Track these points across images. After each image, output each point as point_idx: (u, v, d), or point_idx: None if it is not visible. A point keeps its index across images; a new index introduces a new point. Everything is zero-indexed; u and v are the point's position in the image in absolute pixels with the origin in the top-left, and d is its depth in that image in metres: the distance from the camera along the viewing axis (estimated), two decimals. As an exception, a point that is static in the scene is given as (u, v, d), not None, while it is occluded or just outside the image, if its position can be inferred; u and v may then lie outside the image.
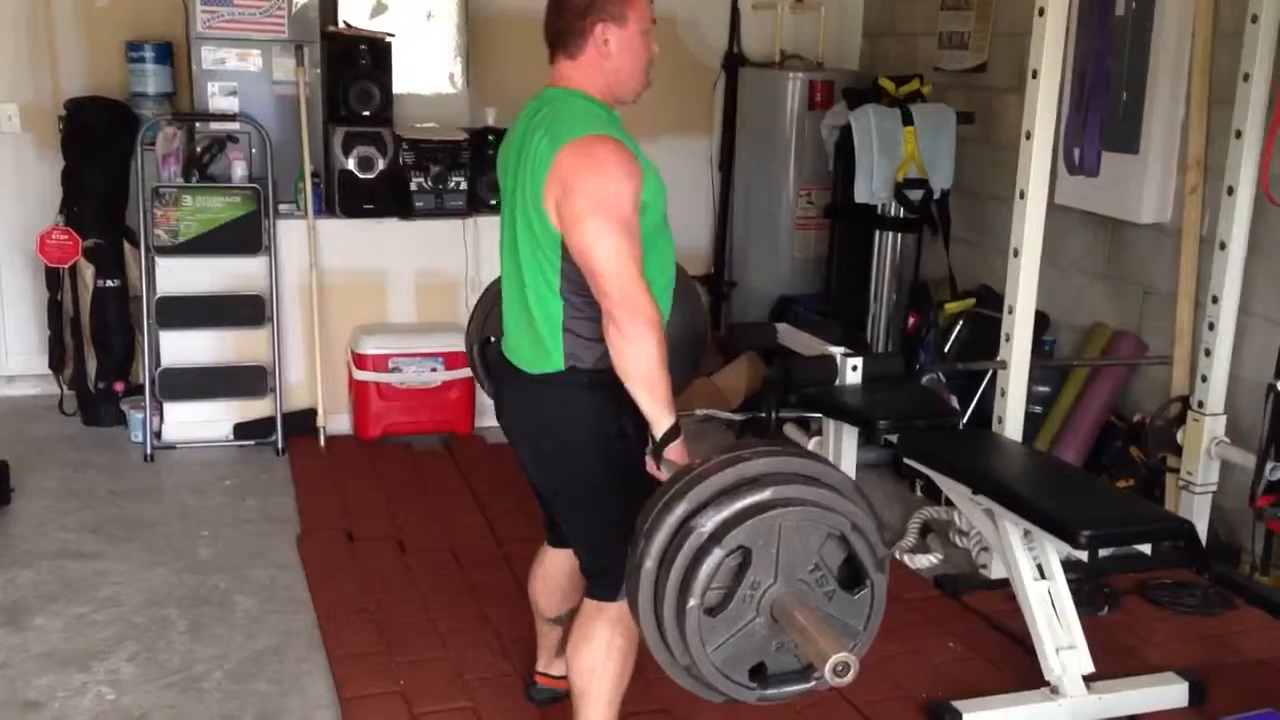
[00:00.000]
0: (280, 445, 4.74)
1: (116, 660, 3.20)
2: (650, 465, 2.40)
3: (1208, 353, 3.79)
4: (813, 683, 2.13)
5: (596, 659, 2.51)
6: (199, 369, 4.76)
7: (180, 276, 4.69)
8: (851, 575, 2.10)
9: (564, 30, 2.43)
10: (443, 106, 5.26)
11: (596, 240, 2.26)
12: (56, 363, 5.01)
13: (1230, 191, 3.66)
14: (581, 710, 2.57)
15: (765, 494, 2.02)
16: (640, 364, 2.27)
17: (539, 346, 2.44)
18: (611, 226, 2.25)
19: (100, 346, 4.94)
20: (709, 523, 2.01)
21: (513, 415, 2.58)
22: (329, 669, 3.17)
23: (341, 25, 5.00)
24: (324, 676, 3.15)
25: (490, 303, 3.09)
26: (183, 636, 3.34)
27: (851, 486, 2.15)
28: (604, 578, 2.51)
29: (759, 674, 2.11)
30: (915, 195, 4.79)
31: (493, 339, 3.03)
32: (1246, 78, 3.56)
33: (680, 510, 2.04)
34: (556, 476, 2.54)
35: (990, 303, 4.55)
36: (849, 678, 1.96)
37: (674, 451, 2.32)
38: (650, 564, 2.05)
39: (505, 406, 2.60)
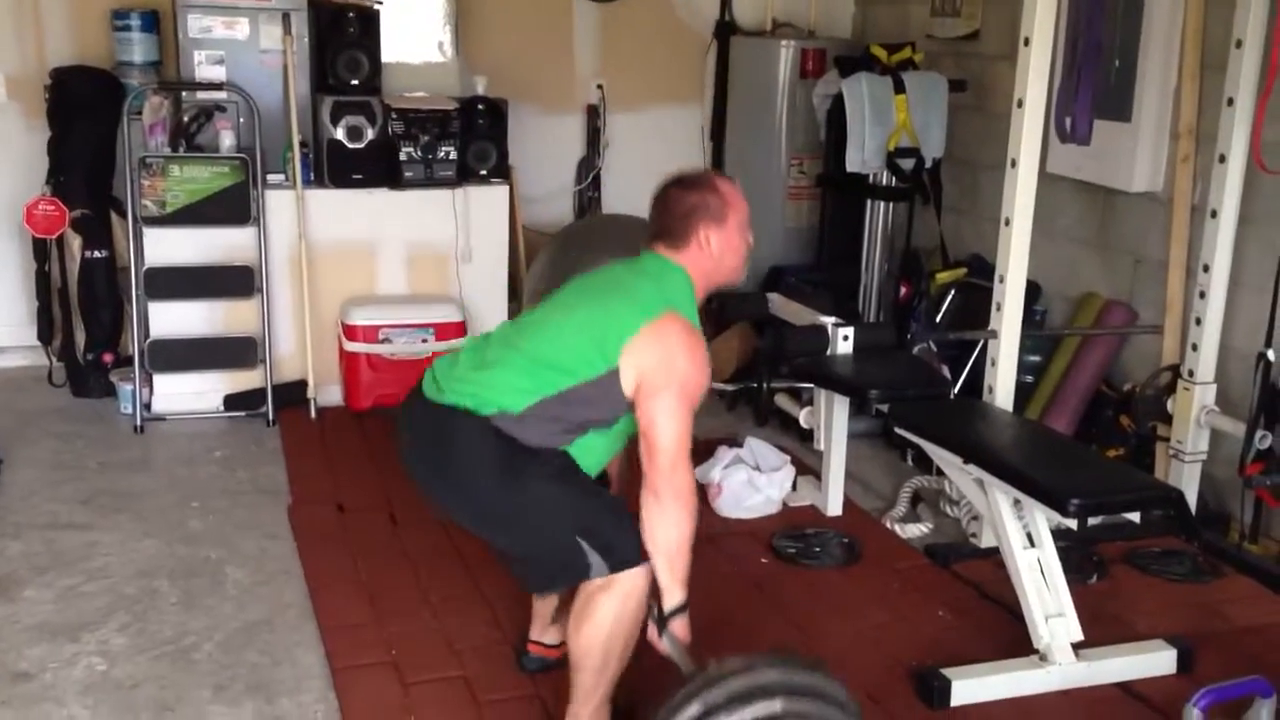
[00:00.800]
0: (271, 416, 4.73)
1: (107, 631, 3.20)
2: (652, 634, 2.52)
3: (1198, 321, 3.80)
4: None
5: (600, 632, 2.51)
6: (188, 340, 4.73)
7: (168, 247, 4.66)
8: None
9: (668, 229, 2.64)
10: (432, 75, 5.22)
11: (669, 417, 2.46)
12: (45, 334, 4.98)
13: (1222, 160, 3.65)
14: (578, 681, 2.58)
15: (776, 706, 2.14)
16: (669, 537, 2.46)
17: (472, 393, 2.53)
18: (685, 411, 2.47)
19: (88, 318, 4.91)
20: None
21: (421, 452, 2.62)
22: (320, 639, 3.17)
23: (329, -7, 4.95)
24: (315, 647, 3.15)
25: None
26: (174, 607, 3.34)
27: (855, 708, 2.28)
28: (569, 571, 2.53)
29: None
30: (907, 164, 4.77)
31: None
32: (1239, 45, 3.55)
33: (693, 711, 2.14)
34: (473, 506, 2.59)
35: (982, 272, 4.55)
36: None
37: (678, 625, 2.48)
38: None
39: (413, 447, 2.64)
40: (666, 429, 2.45)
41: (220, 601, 3.38)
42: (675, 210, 2.63)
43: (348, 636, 3.17)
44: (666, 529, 2.46)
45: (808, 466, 4.24)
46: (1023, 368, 3.81)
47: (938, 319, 4.72)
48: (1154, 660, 3.06)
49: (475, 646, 3.13)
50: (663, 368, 2.47)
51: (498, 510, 2.55)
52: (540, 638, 3.00)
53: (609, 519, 2.51)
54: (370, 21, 4.88)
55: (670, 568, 2.47)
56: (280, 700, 2.91)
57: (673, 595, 2.48)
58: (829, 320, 3.85)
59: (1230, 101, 3.59)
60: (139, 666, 3.04)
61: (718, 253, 2.63)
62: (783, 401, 4.44)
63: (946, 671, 2.94)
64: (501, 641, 3.14)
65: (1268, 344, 3.59)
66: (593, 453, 2.60)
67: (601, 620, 2.49)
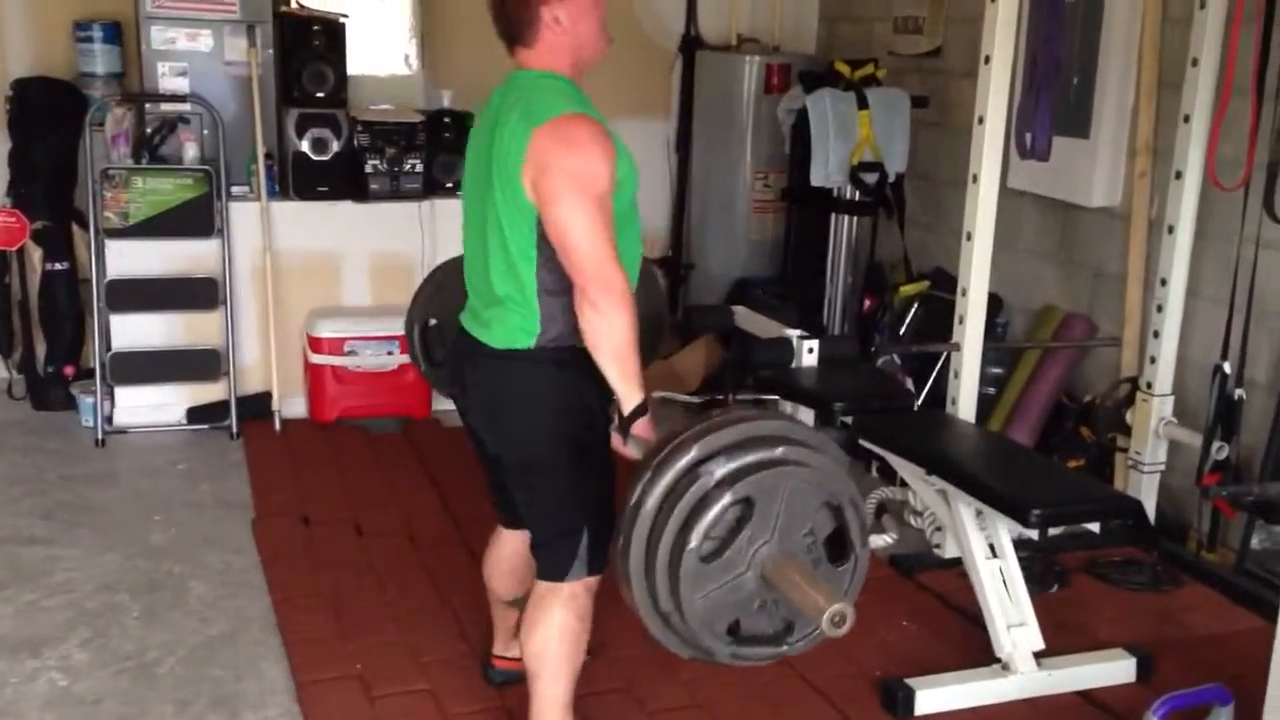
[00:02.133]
0: (234, 429, 4.70)
1: (69, 646, 3.17)
2: (616, 440, 2.42)
3: (1156, 334, 3.85)
4: (784, 646, 2.20)
5: (549, 640, 2.52)
6: (151, 352, 4.70)
7: (131, 259, 4.63)
8: (837, 547, 2.17)
9: (513, 22, 2.42)
10: (398, 88, 5.22)
11: (572, 217, 2.28)
12: (5, 346, 4.94)
13: (1178, 176, 3.71)
14: (536, 690, 2.58)
15: (777, 451, 2.10)
16: (612, 339, 2.31)
17: (506, 323, 2.44)
18: (587, 204, 2.27)
19: (49, 330, 4.87)
20: (720, 469, 2.06)
21: (475, 393, 2.57)
22: (284, 653, 3.16)
23: (294, 5, 4.95)
24: (280, 661, 3.13)
25: (433, 288, 3.09)
26: (136, 622, 3.31)
27: (848, 463, 2.25)
28: (555, 554, 2.51)
29: (733, 633, 2.16)
30: (870, 179, 4.82)
31: (432, 322, 3.02)
32: (1195, 63, 3.61)
33: (692, 454, 2.08)
34: (516, 451, 2.53)
35: (945, 285, 4.59)
36: (846, 628, 2.05)
37: (641, 427, 2.35)
38: (652, 504, 2.09)
39: (468, 383, 2.58)
40: (578, 227, 2.27)
41: (183, 616, 3.36)
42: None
43: (313, 650, 3.15)
44: (608, 330, 2.29)
45: (773, 478, 4.26)
46: (985, 379, 3.84)
47: (901, 332, 4.77)
48: (1114, 669, 3.10)
49: (442, 660, 3.12)
50: (549, 171, 2.27)
51: (539, 468, 2.49)
52: (504, 652, 3.00)
53: (608, 527, 2.47)
54: (336, 34, 4.87)
55: (621, 369, 2.33)
56: (244, 715, 2.89)
57: (630, 397, 2.34)
58: (794, 333, 3.87)
59: (1186, 119, 3.66)
60: (100, 682, 3.02)
61: (572, 27, 2.38)
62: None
63: (910, 681, 2.97)
64: (468, 654, 3.14)
65: (1224, 356, 3.65)
66: (628, 253, 2.44)
67: (550, 627, 2.50)
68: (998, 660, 3.04)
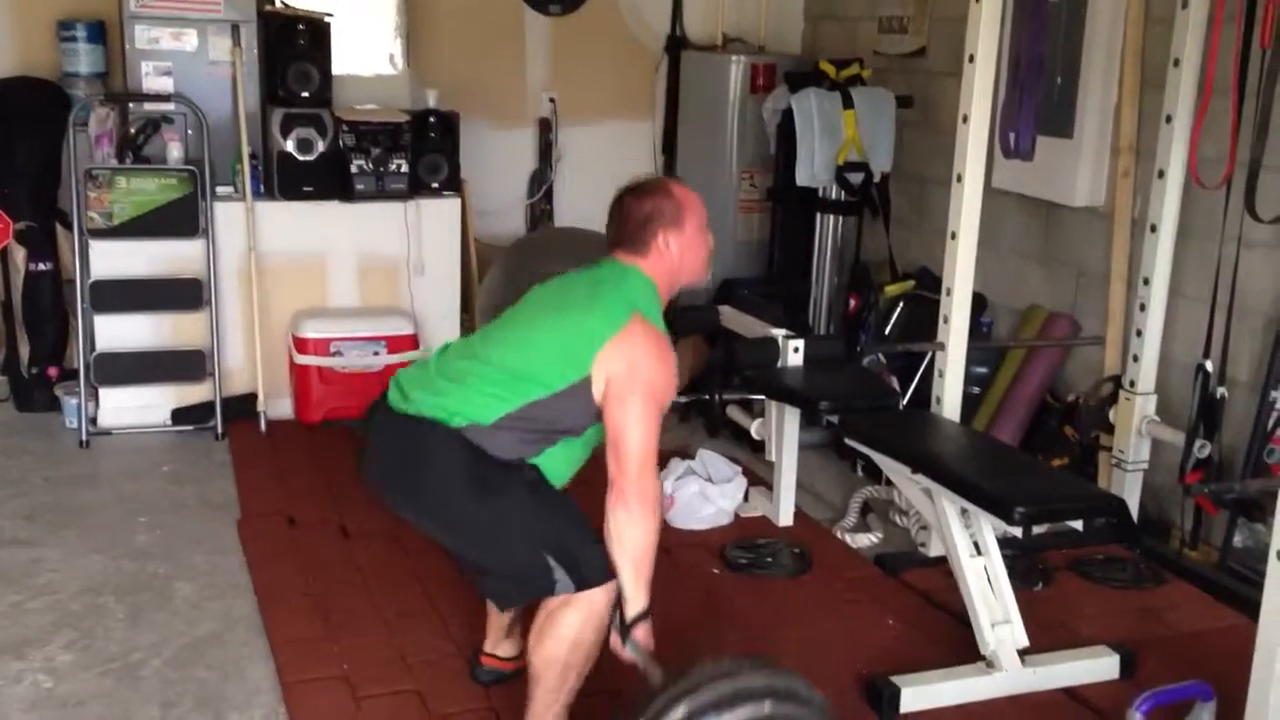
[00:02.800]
0: (220, 430, 4.69)
1: (53, 648, 3.16)
2: (615, 642, 2.51)
3: (1139, 333, 3.87)
4: None
5: (561, 648, 2.51)
6: (135, 353, 4.68)
7: (115, 259, 4.62)
8: None
9: (628, 235, 2.65)
10: (383, 88, 5.23)
11: (638, 422, 2.46)
12: (-12, 348, 4.92)
13: (1161, 175, 3.73)
14: (536, 695, 2.58)
15: (765, 708, 2.16)
16: (636, 544, 2.47)
17: (440, 405, 2.52)
18: (653, 416, 2.49)
19: (33, 331, 4.85)
20: None
21: (389, 464, 2.60)
22: (270, 654, 3.15)
23: (279, 5, 4.94)
24: (265, 661, 3.12)
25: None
26: (120, 624, 3.30)
27: (829, 708, 2.31)
28: (532, 588, 2.54)
29: None
30: (856, 178, 4.84)
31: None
32: (1177, 63, 3.63)
33: (679, 714, 2.14)
34: (442, 515, 2.58)
35: (930, 285, 4.61)
36: None
37: (641, 631, 2.48)
38: None
39: (380, 460, 2.64)
40: (635, 434, 2.46)
41: (168, 617, 3.35)
42: (632, 218, 2.63)
43: (298, 651, 3.14)
44: (633, 535, 2.45)
45: (759, 477, 4.28)
46: (969, 379, 3.86)
47: (886, 331, 4.78)
48: (1098, 666, 3.11)
49: (428, 660, 3.12)
50: (630, 373, 2.47)
51: (468, 523, 2.54)
52: (494, 650, 3.00)
53: (577, 536, 2.51)
54: (321, 34, 4.87)
55: (635, 574, 2.47)
56: (229, 716, 2.88)
57: (636, 602, 2.48)
58: (780, 332, 3.89)
59: (1169, 119, 3.68)
60: (85, 684, 3.00)
61: (678, 256, 2.64)
62: (734, 413, 4.48)
63: (896, 679, 2.97)
64: (455, 655, 3.14)
65: (1206, 355, 3.68)
66: (562, 463, 2.61)
67: (563, 636, 2.49)
68: (982, 658, 3.05)
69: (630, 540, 2.46)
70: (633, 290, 2.60)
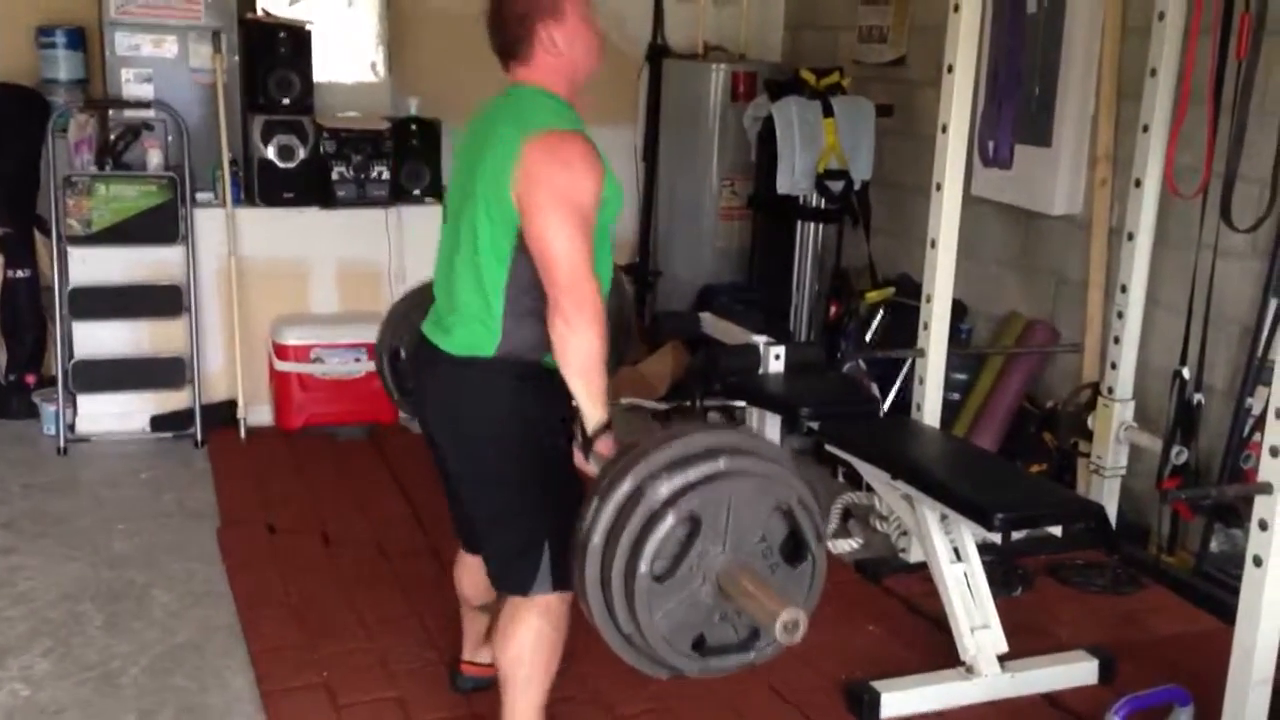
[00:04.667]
0: (199, 437, 4.67)
1: (31, 656, 3.14)
2: (578, 457, 2.42)
3: (1116, 340, 3.90)
4: (752, 653, 2.20)
5: (524, 648, 2.52)
6: (114, 360, 4.66)
7: (94, 266, 4.60)
8: (793, 549, 2.17)
9: (509, 39, 2.46)
10: (364, 95, 5.21)
11: (555, 231, 2.30)
12: (-35, 355, 4.89)
13: (1138, 184, 3.77)
14: (509, 698, 2.58)
15: (719, 464, 2.09)
16: (581, 355, 2.32)
17: (472, 331, 2.44)
18: (570, 219, 2.31)
19: (11, 338, 4.83)
20: (663, 489, 2.06)
21: (434, 401, 2.56)
22: (250, 662, 3.14)
23: (260, 12, 4.93)
24: (245, 670, 3.11)
25: (401, 314, 3.06)
26: (99, 632, 3.28)
27: (792, 463, 2.22)
28: (515, 571, 2.50)
29: (699, 646, 2.16)
30: (836, 186, 4.86)
31: (403, 352, 3.01)
32: (1153, 73, 3.67)
33: (628, 484, 2.08)
34: (472, 462, 2.53)
35: (910, 291, 4.62)
36: (799, 635, 2.04)
37: (603, 444, 2.36)
38: (598, 539, 2.09)
39: (426, 392, 2.58)
40: (557, 244, 2.30)
41: (147, 625, 3.33)
42: (508, 19, 2.44)
43: (278, 659, 3.14)
44: (578, 346, 2.32)
45: (740, 484, 4.28)
46: (949, 385, 3.88)
47: (867, 338, 4.80)
48: (1077, 671, 3.13)
49: (409, 668, 3.12)
50: (538, 184, 2.31)
51: (496, 480, 2.49)
52: (473, 657, 2.99)
53: (533, 538, 2.48)
54: (302, 41, 4.85)
55: (587, 386, 2.35)
56: (209, 724, 2.88)
57: (593, 414, 2.36)
58: (761, 339, 3.90)
59: (1145, 128, 3.71)
60: (63, 692, 2.99)
61: (566, 47, 2.43)
62: (715, 419, 4.49)
63: (876, 684, 2.99)
64: (436, 662, 3.13)
65: (1183, 362, 3.71)
66: (599, 265, 2.44)
67: (524, 636, 2.50)
68: (962, 663, 3.06)
69: (575, 351, 2.32)
70: (531, 110, 2.40)
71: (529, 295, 2.38)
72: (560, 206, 2.31)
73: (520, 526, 2.50)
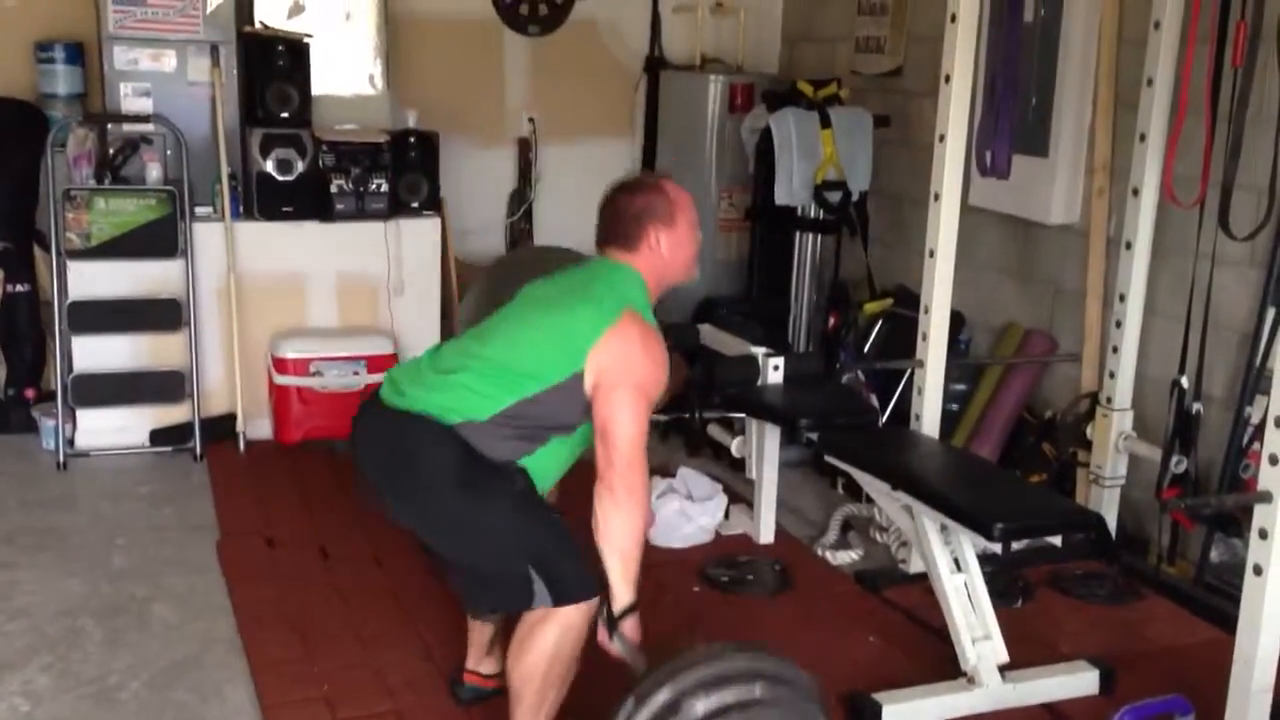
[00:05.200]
0: (198, 451, 4.67)
1: (30, 671, 3.14)
2: (602, 636, 2.49)
3: (1115, 350, 3.90)
4: None
5: (539, 665, 2.51)
6: (113, 374, 4.66)
7: (93, 280, 4.60)
8: None
9: (619, 233, 2.68)
10: (362, 108, 5.22)
11: (627, 414, 2.48)
12: (-36, 369, 4.88)
13: (1135, 193, 3.77)
14: (519, 714, 2.57)
15: (755, 691, 2.16)
16: (624, 537, 2.46)
17: (434, 401, 2.53)
18: (643, 409, 2.50)
19: (10, 352, 4.82)
20: (700, 707, 2.11)
21: (378, 452, 2.60)
22: (250, 676, 3.13)
23: (258, 25, 4.94)
24: (245, 684, 3.10)
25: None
26: (98, 646, 3.28)
27: (818, 691, 2.31)
28: (514, 601, 2.54)
29: None
30: (834, 197, 4.87)
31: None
32: (1150, 83, 3.68)
33: (665, 695, 2.14)
34: (431, 516, 2.58)
35: (908, 302, 4.63)
36: None
37: (629, 625, 2.47)
38: None
39: (371, 449, 2.63)
40: (625, 426, 2.46)
41: (147, 640, 3.33)
42: (624, 214, 2.65)
43: (278, 673, 3.13)
44: (621, 527, 2.45)
45: (740, 495, 4.28)
46: (948, 396, 3.88)
47: (866, 349, 4.81)
48: (1077, 681, 3.13)
49: (409, 680, 3.11)
50: (621, 365, 2.49)
51: (455, 524, 2.55)
52: (476, 667, 2.99)
53: (559, 549, 2.51)
54: (300, 54, 4.87)
55: (623, 567, 2.46)
56: (209, 739, 2.88)
57: (623, 596, 2.47)
58: (760, 350, 3.91)
59: (1143, 138, 3.72)
60: (63, 706, 2.99)
61: (668, 253, 2.66)
62: (715, 431, 4.49)
63: (877, 696, 2.98)
64: (435, 674, 3.13)
65: (1181, 371, 3.71)
66: (551, 463, 2.62)
67: (542, 650, 2.49)
68: (963, 674, 3.06)
69: (618, 532, 2.45)
70: (625, 286, 2.62)
71: (523, 429, 2.53)
72: (640, 394, 2.50)
73: (493, 559, 2.56)
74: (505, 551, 2.52)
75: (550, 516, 2.61)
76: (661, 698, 2.13)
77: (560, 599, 2.48)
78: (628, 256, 2.66)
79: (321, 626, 3.38)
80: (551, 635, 2.49)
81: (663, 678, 2.16)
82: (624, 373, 2.48)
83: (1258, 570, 2.58)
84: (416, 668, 3.17)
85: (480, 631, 2.96)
